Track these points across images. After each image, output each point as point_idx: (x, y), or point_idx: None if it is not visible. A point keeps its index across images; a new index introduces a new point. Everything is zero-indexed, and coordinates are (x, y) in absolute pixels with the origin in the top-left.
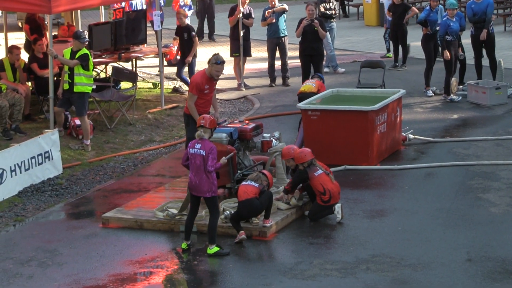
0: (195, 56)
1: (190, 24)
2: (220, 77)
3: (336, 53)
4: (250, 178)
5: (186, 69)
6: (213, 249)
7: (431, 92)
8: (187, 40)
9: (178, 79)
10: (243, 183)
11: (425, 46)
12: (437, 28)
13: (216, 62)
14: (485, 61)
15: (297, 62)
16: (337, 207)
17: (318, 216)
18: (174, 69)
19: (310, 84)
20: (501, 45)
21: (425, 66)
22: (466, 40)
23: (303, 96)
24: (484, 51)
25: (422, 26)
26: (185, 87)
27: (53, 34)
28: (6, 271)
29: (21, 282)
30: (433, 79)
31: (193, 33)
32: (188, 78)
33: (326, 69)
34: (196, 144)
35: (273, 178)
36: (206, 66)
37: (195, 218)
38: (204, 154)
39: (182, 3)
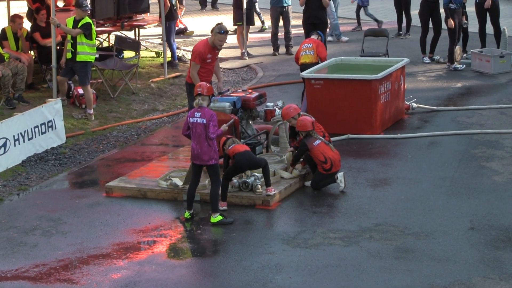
0: (172, 19)
1: None
2: (223, 46)
3: (339, 21)
4: (235, 142)
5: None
6: (217, 217)
7: (427, 58)
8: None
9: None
10: (232, 145)
11: (421, 13)
12: None
13: (220, 31)
14: (489, 29)
15: (301, 30)
16: (340, 175)
17: (321, 184)
18: (177, 38)
19: (309, 54)
20: (505, 13)
21: (420, 34)
22: (469, 8)
23: (305, 67)
24: (488, 19)
25: None
26: (188, 56)
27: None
28: (11, 240)
29: (25, 251)
30: (437, 48)
31: None
32: (175, 46)
33: (329, 38)
34: (196, 112)
35: (276, 147)
36: (208, 36)
37: (197, 187)
38: (205, 122)
39: None
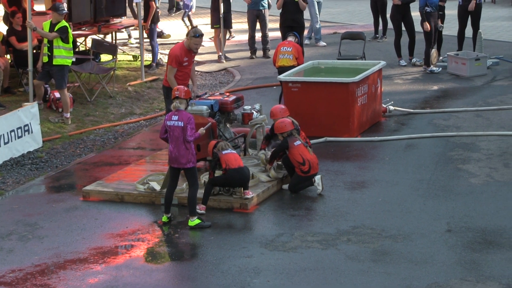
0: (154, 22)
1: None
2: (199, 49)
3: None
4: (228, 147)
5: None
6: (194, 221)
7: (403, 61)
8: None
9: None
10: (225, 151)
11: (392, 16)
12: None
13: (195, 35)
14: (467, 33)
15: (278, 33)
16: (317, 178)
17: (299, 187)
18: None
19: (288, 57)
20: (482, 16)
21: (394, 38)
22: (449, 11)
23: (282, 69)
24: (469, 22)
25: None
26: (165, 59)
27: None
28: None
29: (1, 256)
30: (414, 51)
31: None
32: (157, 48)
33: (306, 41)
34: (173, 116)
35: (254, 150)
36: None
37: (174, 191)
38: (182, 125)
39: None
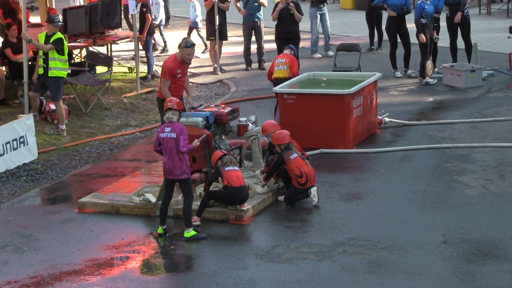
0: (150, 34)
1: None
2: (192, 60)
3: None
4: (233, 163)
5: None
6: (190, 232)
7: (399, 73)
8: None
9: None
10: (229, 168)
11: (387, 28)
12: (405, 10)
13: (186, 45)
14: (460, 44)
15: (273, 45)
16: (313, 190)
17: (294, 199)
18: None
19: (282, 68)
20: (476, 27)
21: (389, 50)
22: (445, 23)
23: (278, 81)
24: (459, 33)
25: (380, 10)
26: (160, 71)
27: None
28: None
29: None
30: (409, 62)
31: (144, 9)
32: (152, 59)
33: (319, 55)
34: (166, 127)
35: (249, 162)
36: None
37: (170, 202)
38: (175, 136)
39: None
